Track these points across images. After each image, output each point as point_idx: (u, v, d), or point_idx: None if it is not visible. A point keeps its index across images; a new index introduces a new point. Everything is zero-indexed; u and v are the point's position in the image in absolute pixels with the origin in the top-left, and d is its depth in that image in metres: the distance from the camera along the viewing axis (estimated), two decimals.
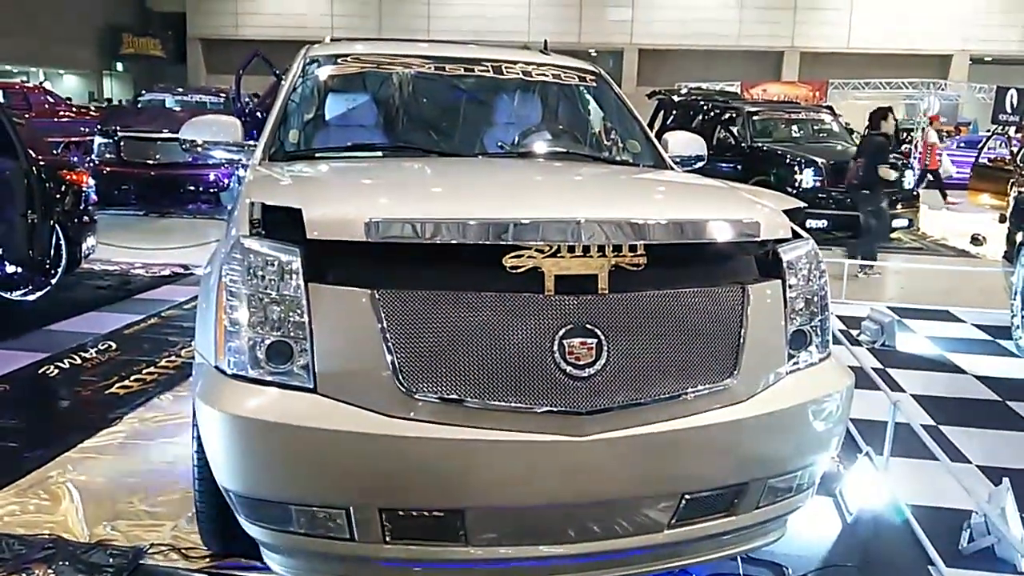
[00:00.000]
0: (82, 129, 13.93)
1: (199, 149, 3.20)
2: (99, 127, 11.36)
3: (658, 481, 2.07)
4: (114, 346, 4.81)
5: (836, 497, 3.09)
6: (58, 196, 5.77)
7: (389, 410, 1.92)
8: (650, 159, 3.32)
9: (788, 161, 9.94)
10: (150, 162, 10.71)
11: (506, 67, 3.46)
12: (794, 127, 11.07)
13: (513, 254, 1.96)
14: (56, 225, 5.66)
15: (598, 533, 2.07)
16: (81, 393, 4.07)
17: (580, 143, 3.43)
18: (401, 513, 1.98)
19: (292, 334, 1.96)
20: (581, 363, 1.96)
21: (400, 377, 1.91)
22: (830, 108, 12.30)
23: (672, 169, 3.28)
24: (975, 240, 9.94)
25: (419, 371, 1.92)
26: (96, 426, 3.60)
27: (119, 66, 31.66)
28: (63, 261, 5.82)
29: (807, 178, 9.65)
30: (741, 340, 2.11)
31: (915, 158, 15.35)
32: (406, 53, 3.45)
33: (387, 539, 1.99)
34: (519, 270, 1.97)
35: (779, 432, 2.16)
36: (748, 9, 28.28)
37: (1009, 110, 17.68)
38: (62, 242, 5.79)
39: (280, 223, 2.05)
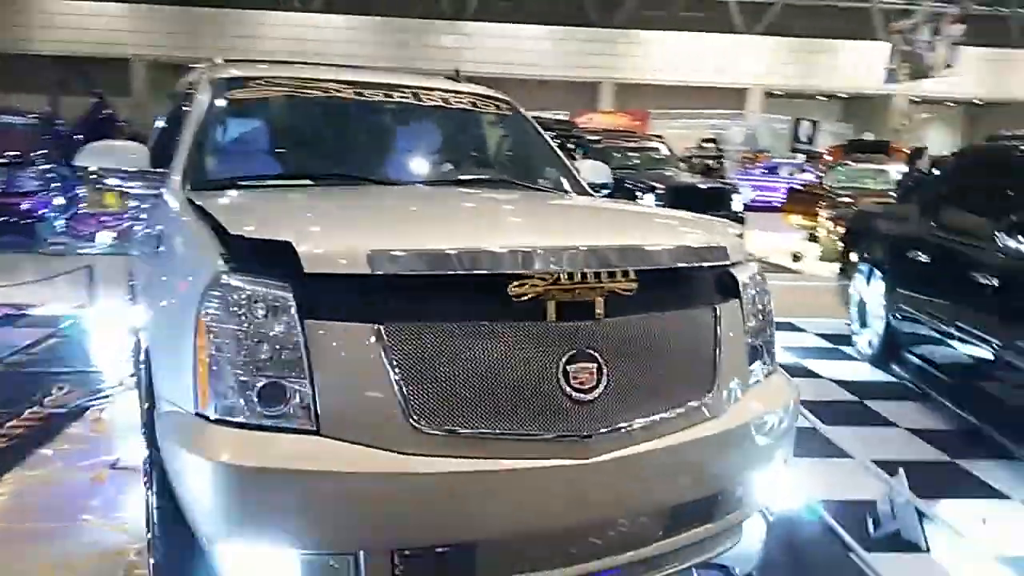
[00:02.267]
0: None
1: (94, 176, 2.99)
2: None
3: (654, 496, 2.16)
4: None
5: None
6: None
7: (399, 447, 1.88)
8: (571, 186, 3.44)
9: (628, 187, 10.52)
10: None
11: (424, 94, 3.47)
12: (631, 155, 11.74)
13: (517, 283, 1.98)
14: None
15: (598, 552, 2.12)
16: None
17: (513, 171, 3.49)
18: (412, 553, 1.94)
19: (288, 374, 1.88)
20: (585, 387, 2.01)
21: (410, 412, 1.88)
22: (660, 137, 13.17)
23: (591, 196, 3.43)
24: (795, 257, 10.94)
25: (429, 405, 1.90)
26: None
27: None
28: None
29: (647, 203, 10.25)
30: (716, 357, 2.25)
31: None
32: (321, 77, 3.38)
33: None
34: (523, 298, 1.99)
35: (748, 442, 2.31)
36: (567, 42, 29.59)
37: (804, 139, 19.71)
38: None
39: (264, 257, 1.96)
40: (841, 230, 7.94)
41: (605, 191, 3.69)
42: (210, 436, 1.88)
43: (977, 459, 3.90)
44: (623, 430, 2.05)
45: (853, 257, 6.12)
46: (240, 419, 1.88)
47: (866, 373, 5.52)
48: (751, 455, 2.35)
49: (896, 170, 11.72)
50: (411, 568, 1.94)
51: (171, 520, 2.09)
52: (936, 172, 5.24)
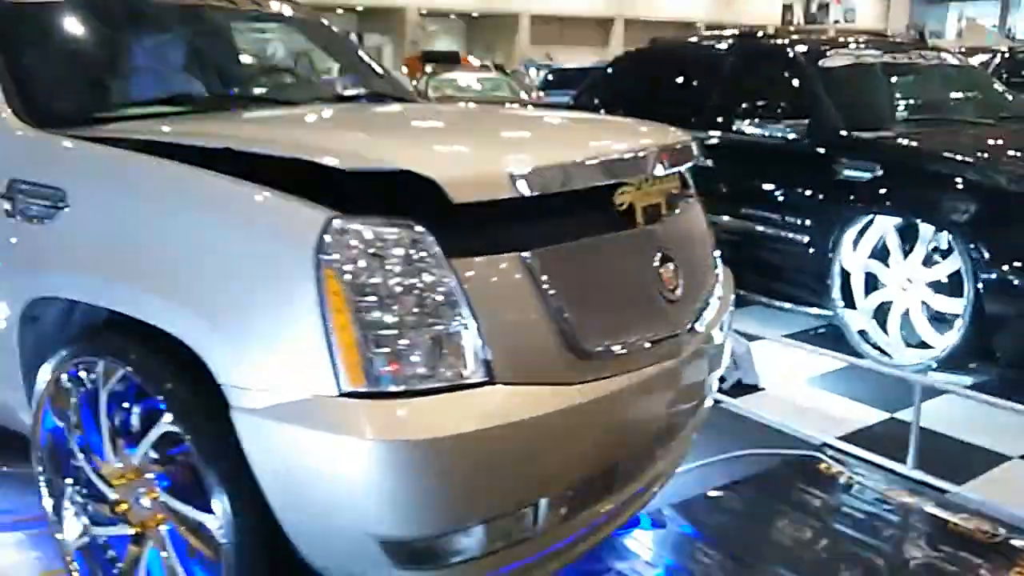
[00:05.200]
0: None
1: None
2: None
3: (706, 377, 2.30)
4: None
5: None
6: None
7: (567, 378, 1.75)
8: (404, 93, 3.20)
9: None
10: None
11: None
12: None
13: (619, 191, 1.93)
14: None
15: (672, 436, 2.21)
16: None
17: (376, 84, 3.08)
18: (583, 485, 1.83)
19: (452, 325, 1.61)
20: (672, 287, 2.06)
21: (569, 340, 1.75)
22: None
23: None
24: None
25: (582, 329, 1.78)
26: None
27: None
28: None
29: None
30: (711, 242, 2.45)
31: None
32: None
33: (565, 518, 1.82)
34: (622, 207, 1.95)
35: (731, 314, 2.56)
36: None
37: None
38: None
39: (383, 193, 1.62)
40: None
41: None
42: (376, 413, 1.53)
43: None
44: (695, 322, 2.15)
45: None
46: (407, 387, 1.56)
47: None
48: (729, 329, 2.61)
49: (473, 78, 12.71)
50: (577, 501, 1.85)
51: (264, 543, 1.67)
52: (611, 72, 5.87)
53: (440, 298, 1.59)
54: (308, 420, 1.54)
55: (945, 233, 3.66)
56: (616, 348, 1.84)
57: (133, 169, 1.82)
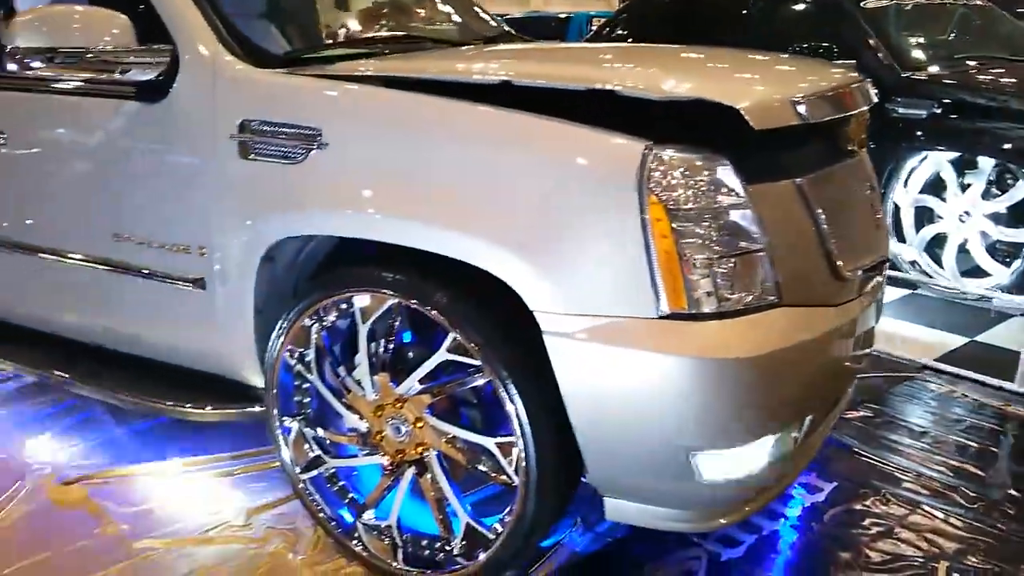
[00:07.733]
0: None
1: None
2: None
3: None
4: None
5: None
6: None
7: (830, 299, 1.86)
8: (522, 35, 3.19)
9: None
10: None
11: None
12: None
13: (848, 122, 2.03)
14: None
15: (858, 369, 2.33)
16: None
17: (494, 25, 3.02)
18: (825, 402, 1.96)
19: (751, 248, 1.68)
20: (878, 213, 2.19)
21: (831, 262, 1.85)
22: None
23: None
24: None
25: (839, 251, 1.88)
26: None
27: None
28: None
29: None
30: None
31: None
32: None
33: (808, 435, 1.93)
34: (840, 138, 2.05)
35: None
36: None
37: None
38: None
39: (688, 122, 1.67)
40: None
41: None
42: (703, 335, 1.61)
43: None
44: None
45: None
46: (718, 308, 1.63)
47: None
48: None
49: None
50: (817, 420, 1.96)
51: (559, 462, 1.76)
52: (624, 17, 5.85)
53: (742, 223, 1.66)
54: (632, 342, 1.60)
55: (1003, 166, 3.89)
56: (856, 270, 1.95)
57: (417, 107, 1.78)
